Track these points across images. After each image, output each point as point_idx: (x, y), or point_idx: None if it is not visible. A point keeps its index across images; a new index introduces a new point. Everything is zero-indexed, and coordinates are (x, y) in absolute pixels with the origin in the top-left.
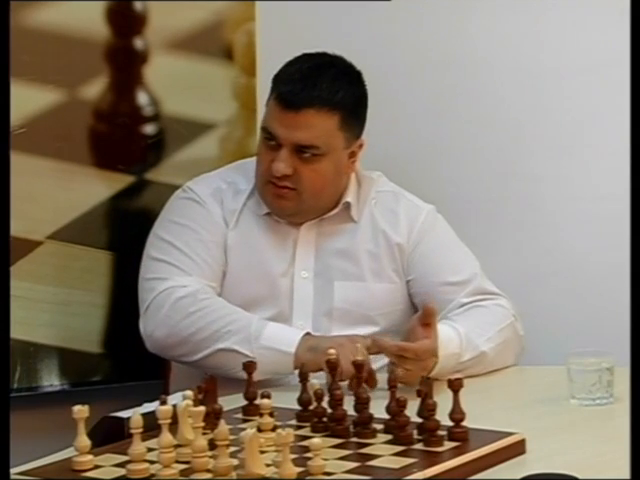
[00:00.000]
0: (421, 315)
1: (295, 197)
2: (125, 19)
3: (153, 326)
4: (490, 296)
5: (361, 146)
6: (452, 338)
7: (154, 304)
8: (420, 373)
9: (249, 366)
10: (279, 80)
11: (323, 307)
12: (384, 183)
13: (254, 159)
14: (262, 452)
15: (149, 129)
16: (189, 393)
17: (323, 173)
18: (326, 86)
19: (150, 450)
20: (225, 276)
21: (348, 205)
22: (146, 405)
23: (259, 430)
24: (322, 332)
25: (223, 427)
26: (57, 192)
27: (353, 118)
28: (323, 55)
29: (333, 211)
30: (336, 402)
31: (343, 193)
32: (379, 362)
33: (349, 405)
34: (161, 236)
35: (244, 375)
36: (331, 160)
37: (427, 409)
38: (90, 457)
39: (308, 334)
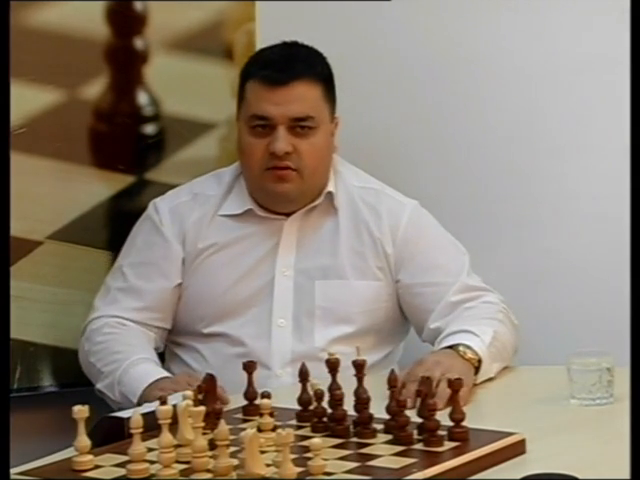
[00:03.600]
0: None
1: (297, 178)
2: (125, 19)
3: (79, 352)
4: (478, 293)
5: (336, 125)
6: (460, 334)
7: (83, 332)
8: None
9: (249, 366)
10: (255, 66)
11: (304, 306)
12: (365, 179)
13: (227, 168)
14: (262, 452)
15: (149, 129)
16: (189, 393)
17: (319, 147)
18: (304, 60)
19: (150, 450)
20: (195, 284)
21: (330, 195)
22: (146, 405)
23: (259, 430)
24: (304, 331)
25: (223, 427)
26: (57, 192)
27: (331, 92)
28: (287, 42)
29: (317, 201)
30: (336, 402)
31: (325, 183)
32: (373, 357)
33: (349, 405)
34: (118, 258)
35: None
36: (323, 133)
37: (427, 409)
38: (90, 457)
39: (158, 380)
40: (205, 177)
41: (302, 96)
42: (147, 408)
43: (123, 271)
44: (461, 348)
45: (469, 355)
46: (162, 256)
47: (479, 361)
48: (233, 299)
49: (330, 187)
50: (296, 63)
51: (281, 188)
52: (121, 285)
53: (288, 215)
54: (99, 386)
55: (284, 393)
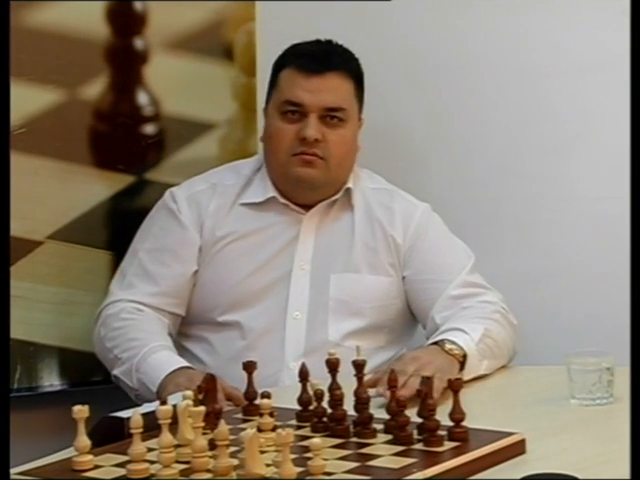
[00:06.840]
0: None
1: (323, 166)
2: (125, 19)
3: (94, 337)
4: (477, 289)
5: (361, 125)
6: (450, 331)
7: (98, 317)
8: (429, 369)
9: (249, 366)
10: (291, 56)
11: (319, 299)
12: (378, 181)
13: (245, 160)
14: (262, 452)
15: (149, 129)
16: (189, 393)
17: (347, 140)
18: (340, 55)
19: (150, 450)
20: (211, 272)
21: (349, 191)
22: (146, 405)
23: (259, 430)
24: (318, 324)
25: (223, 427)
26: (57, 192)
27: (360, 90)
28: (322, 39)
29: (337, 195)
30: (336, 402)
31: (347, 177)
32: (374, 361)
33: (349, 405)
34: (134, 243)
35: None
36: (351, 128)
37: (427, 409)
38: (90, 457)
39: (177, 370)
40: (221, 168)
41: (336, 87)
42: (147, 408)
43: (139, 257)
44: (446, 344)
45: (454, 351)
46: (179, 242)
47: (464, 356)
48: (249, 289)
49: (350, 184)
50: (333, 56)
51: (307, 173)
52: (137, 270)
53: (308, 208)
54: (116, 372)
55: (285, 393)
